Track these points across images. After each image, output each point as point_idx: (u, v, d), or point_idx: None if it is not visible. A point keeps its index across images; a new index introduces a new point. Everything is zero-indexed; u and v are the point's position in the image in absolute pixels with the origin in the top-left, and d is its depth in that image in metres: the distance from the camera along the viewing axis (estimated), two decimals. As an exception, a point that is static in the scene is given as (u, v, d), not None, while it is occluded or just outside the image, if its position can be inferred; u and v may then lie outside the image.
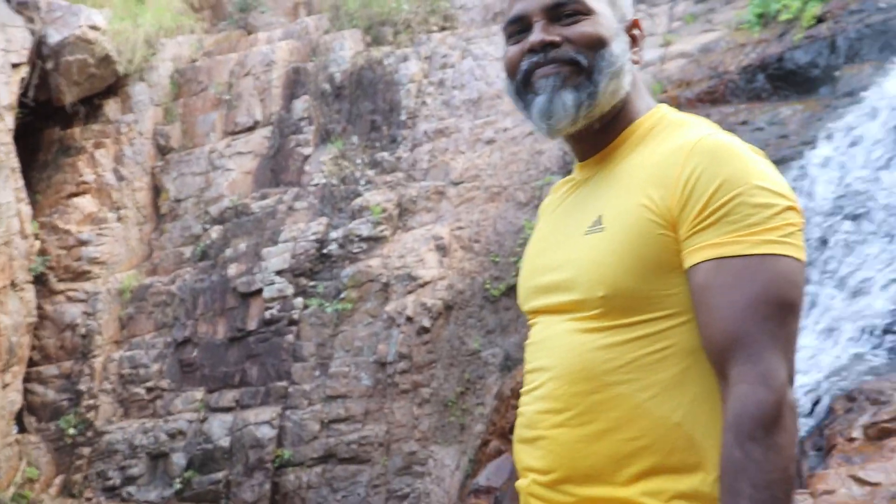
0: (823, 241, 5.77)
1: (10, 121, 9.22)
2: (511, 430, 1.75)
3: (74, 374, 9.09)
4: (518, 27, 1.69)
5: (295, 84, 9.79)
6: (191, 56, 10.58)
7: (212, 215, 9.37)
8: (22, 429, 9.02)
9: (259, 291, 8.57)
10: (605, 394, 1.54)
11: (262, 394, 8.29)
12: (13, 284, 8.92)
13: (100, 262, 9.47)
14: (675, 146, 1.57)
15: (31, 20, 9.76)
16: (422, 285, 7.96)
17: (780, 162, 6.82)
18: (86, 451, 8.78)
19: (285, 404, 8.15)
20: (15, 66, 9.41)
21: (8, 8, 9.61)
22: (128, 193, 9.74)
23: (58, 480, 8.85)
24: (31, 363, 9.19)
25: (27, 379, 9.10)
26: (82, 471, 8.73)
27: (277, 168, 9.45)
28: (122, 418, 8.82)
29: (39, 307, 9.24)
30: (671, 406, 1.52)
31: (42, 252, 9.45)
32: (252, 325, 8.54)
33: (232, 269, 8.82)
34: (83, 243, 9.48)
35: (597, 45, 1.63)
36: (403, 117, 9.17)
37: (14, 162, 9.17)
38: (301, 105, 9.57)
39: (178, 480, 8.36)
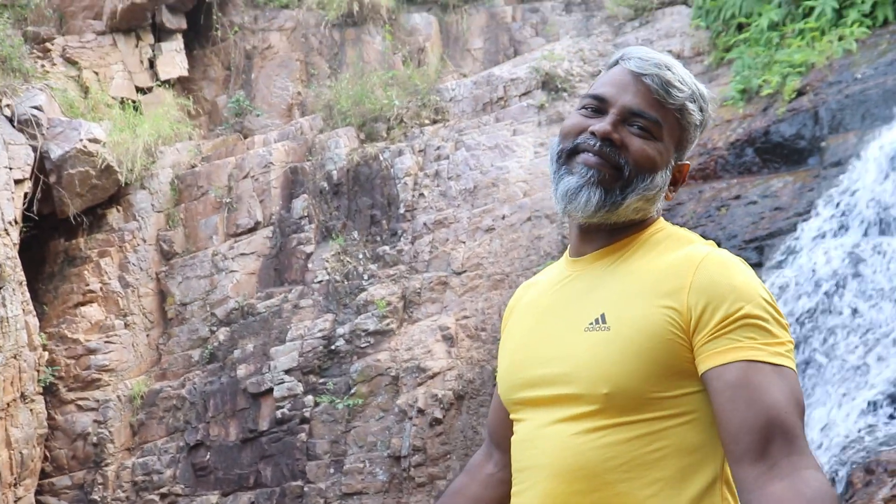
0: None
1: (15, 236, 9.38)
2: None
3: (87, 483, 9.04)
4: (595, 105, 1.74)
5: (293, 184, 9.99)
6: (190, 162, 10.80)
7: (218, 317, 9.45)
8: (36, 544, 8.94)
9: (269, 391, 8.60)
10: (605, 492, 1.56)
11: (278, 494, 8.25)
12: (23, 397, 8.95)
13: (109, 370, 9.51)
14: (684, 256, 1.65)
15: (32, 137, 9.99)
16: (431, 376, 8.01)
17: (778, 234, 6.98)
18: (101, 563, 8.69)
19: (301, 504, 8.11)
20: (18, 181, 9.61)
21: (10, 127, 9.85)
22: (134, 300, 9.84)
23: None
24: (44, 475, 9.14)
25: (39, 491, 9.05)
26: (98, 584, 8.62)
27: (281, 267, 9.58)
28: (138, 528, 8.75)
29: (50, 418, 9.25)
30: None
31: (51, 362, 9.49)
32: (264, 425, 8.55)
33: (241, 370, 8.87)
34: (91, 352, 9.54)
35: (647, 168, 1.69)
36: (402, 210, 9.34)
37: (20, 276, 9.30)
38: (300, 204, 9.76)
39: (196, 588, 8.25)
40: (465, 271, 8.63)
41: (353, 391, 8.30)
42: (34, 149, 9.89)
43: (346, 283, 9.04)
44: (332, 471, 8.10)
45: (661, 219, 1.80)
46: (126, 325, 9.73)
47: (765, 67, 8.54)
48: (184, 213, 10.27)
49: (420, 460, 7.74)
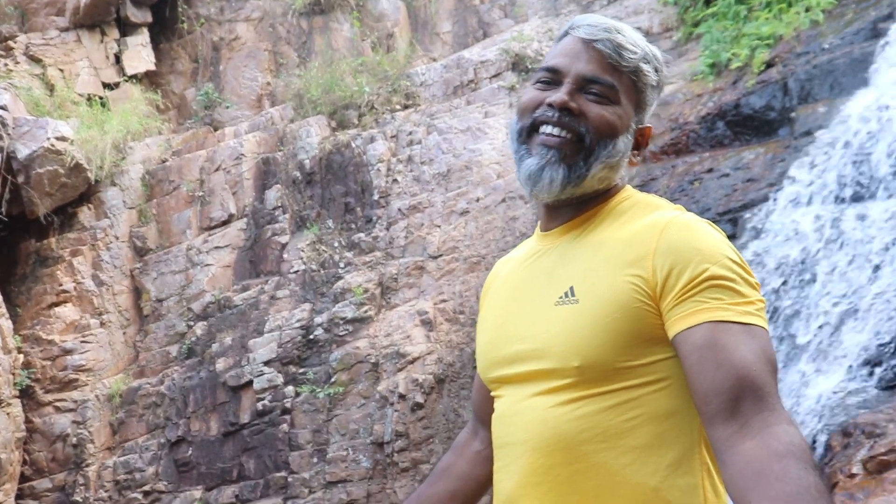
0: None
1: (-15, 238, 9.27)
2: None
3: (69, 485, 8.96)
4: (548, 77, 1.72)
5: (266, 174, 9.92)
6: (160, 157, 10.70)
7: (195, 312, 9.38)
8: (19, 548, 8.86)
9: (249, 383, 8.55)
10: (583, 463, 1.56)
11: (262, 486, 8.22)
12: None
13: (86, 370, 9.42)
14: (649, 223, 1.63)
15: (-1, 137, 9.85)
16: (411, 361, 7.99)
17: (751, 205, 6.99)
18: (86, 564, 8.63)
19: (286, 494, 8.07)
20: (-15, 182, 9.48)
21: (-25, 127, 9.71)
22: (109, 298, 9.74)
23: None
24: (23, 478, 9.05)
25: (20, 495, 8.95)
26: (84, 585, 8.56)
27: (256, 259, 9.51)
28: (121, 526, 8.68)
29: (28, 420, 9.14)
30: (649, 471, 1.55)
31: (26, 365, 9.39)
32: (245, 417, 8.50)
33: (220, 364, 8.81)
34: (68, 352, 9.44)
35: (607, 133, 1.68)
36: (376, 197, 9.30)
37: (-8, 278, 9.19)
38: (274, 194, 9.69)
39: (183, 585, 8.22)
40: (441, 255, 8.61)
41: (333, 380, 8.27)
42: (0, 149, 9.75)
43: (322, 271, 8.99)
44: (315, 460, 8.07)
45: (628, 187, 1.78)
46: (102, 324, 9.64)
47: (733, 41, 8.55)
48: (156, 208, 10.18)
49: (403, 445, 7.72)
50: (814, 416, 4.51)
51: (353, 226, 9.27)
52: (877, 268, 5.47)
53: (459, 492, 1.96)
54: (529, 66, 9.73)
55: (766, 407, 1.46)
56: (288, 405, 8.34)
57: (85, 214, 10.21)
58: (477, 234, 8.58)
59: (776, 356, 1.58)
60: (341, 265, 8.97)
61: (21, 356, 9.34)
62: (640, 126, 1.76)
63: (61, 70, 11.36)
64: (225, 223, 9.82)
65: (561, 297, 1.64)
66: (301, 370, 8.48)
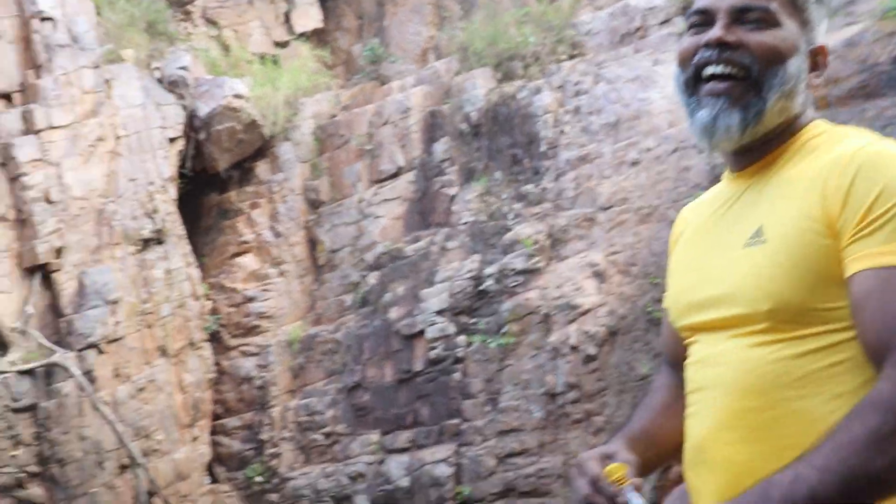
0: None
1: (172, 192, 9.86)
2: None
3: (255, 424, 9.55)
4: (700, 20, 1.65)
5: (433, 127, 10.05)
6: (330, 111, 11.02)
7: (367, 262, 9.69)
8: (213, 479, 9.53)
9: (421, 332, 8.79)
10: (780, 409, 1.50)
11: (436, 432, 8.47)
12: (191, 344, 9.48)
13: (267, 317, 9.94)
14: (836, 155, 1.53)
15: (181, 97, 10.40)
16: (583, 313, 7.99)
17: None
18: (274, 497, 9.18)
19: (460, 441, 8.30)
20: (172, 140, 10.07)
21: (160, 88, 10.28)
22: (286, 249, 10.19)
23: (251, 527, 9.30)
24: (215, 417, 9.72)
25: (213, 432, 9.62)
26: (272, 517, 9.13)
27: (425, 210, 9.70)
28: (304, 464, 9.18)
29: (217, 363, 9.78)
30: None
31: (213, 311, 10.00)
32: (418, 365, 8.76)
33: (393, 313, 9.09)
34: (250, 300, 9.98)
35: (773, 59, 1.59)
36: (544, 148, 9.27)
37: (180, 230, 9.78)
38: (441, 147, 9.82)
39: (362, 522, 8.63)
40: (611, 206, 8.52)
41: (504, 330, 8.38)
42: (183, 108, 10.30)
43: (491, 223, 9.07)
44: (487, 409, 8.24)
45: (820, 121, 1.67)
46: (280, 274, 10.11)
47: (929, -26, 7.98)
48: (327, 162, 10.52)
49: (575, 397, 7.77)
50: None
51: (521, 177, 9.29)
52: None
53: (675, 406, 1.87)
54: (701, 11, 9.39)
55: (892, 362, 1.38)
56: (460, 354, 8.52)
57: (261, 169, 10.68)
58: (648, 184, 8.44)
59: None
60: (510, 217, 9.03)
61: (209, 303, 9.95)
62: (811, 46, 1.65)
63: (235, 31, 11.83)
64: (394, 176, 10.05)
65: (750, 239, 1.57)
66: (472, 320, 8.64)
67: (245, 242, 10.23)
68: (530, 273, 8.54)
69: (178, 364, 9.30)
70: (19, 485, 7.68)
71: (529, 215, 8.92)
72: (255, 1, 11.95)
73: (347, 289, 9.74)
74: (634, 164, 8.65)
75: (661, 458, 1.86)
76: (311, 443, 9.21)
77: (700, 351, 1.66)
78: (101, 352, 8.50)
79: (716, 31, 1.60)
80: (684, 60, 1.67)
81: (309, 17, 12.01)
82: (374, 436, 8.89)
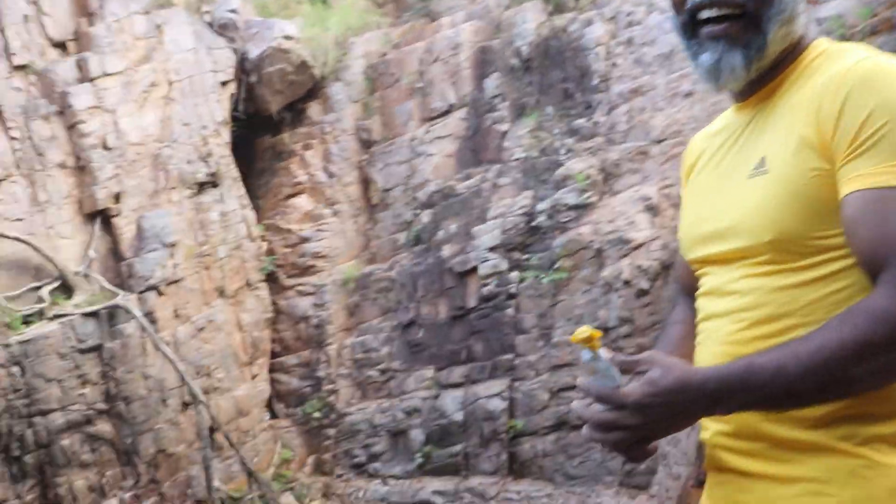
0: None
1: (226, 135, 9.95)
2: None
3: (313, 361, 9.75)
4: None
5: (483, 63, 9.94)
6: (380, 50, 10.95)
7: (420, 200, 9.70)
8: (273, 415, 9.79)
9: (474, 269, 8.81)
10: (785, 337, 1.48)
11: (490, 368, 8.55)
12: (248, 284, 9.66)
13: (322, 256, 10.06)
14: (831, 75, 1.50)
15: (231, 40, 10.43)
16: (635, 248, 7.92)
17: None
18: (331, 432, 9.41)
19: (513, 376, 8.36)
20: (223, 84, 10.12)
21: (211, 31, 10.31)
22: (339, 189, 10.26)
23: (310, 460, 9.55)
24: (274, 355, 9.95)
25: (272, 369, 9.86)
26: (330, 450, 9.36)
27: (477, 147, 9.65)
28: (361, 400, 9.36)
29: (274, 303, 9.97)
30: None
31: (269, 252, 10.15)
32: (472, 302, 8.80)
33: (446, 251, 9.12)
34: (305, 240, 10.10)
35: None
36: (595, 81, 9.11)
37: (234, 172, 9.90)
38: (492, 83, 9.71)
39: (418, 455, 8.79)
40: (664, 139, 8.36)
41: (557, 266, 8.35)
42: (234, 51, 10.33)
43: (543, 158, 8.99)
44: (540, 344, 8.27)
45: (822, 40, 1.63)
46: (334, 214, 10.20)
47: None
48: (379, 101, 10.49)
49: (628, 331, 7.75)
50: None
51: (573, 112, 9.16)
52: None
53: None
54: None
55: (886, 280, 1.38)
56: (513, 290, 8.54)
57: (313, 110, 10.70)
58: (703, 116, 8.24)
59: None
60: (562, 152, 8.94)
61: (264, 244, 10.10)
62: None
63: (284, -29, 11.76)
64: (445, 113, 9.99)
65: (753, 170, 1.56)
66: (525, 256, 8.63)
67: (299, 183, 10.32)
68: (583, 208, 8.47)
69: (235, 304, 9.49)
70: (88, 421, 7.97)
71: (581, 150, 8.81)
72: (303, -60, 11.86)
73: (401, 227, 9.79)
74: (688, 95, 8.45)
75: None
76: (367, 379, 9.38)
77: (710, 282, 1.67)
78: (160, 293, 8.71)
79: None
80: (678, 4, 1.64)
81: (358, -45, 11.88)
82: (429, 371, 9.00)
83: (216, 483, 8.48)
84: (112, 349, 8.16)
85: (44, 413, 7.63)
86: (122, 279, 8.62)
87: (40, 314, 7.93)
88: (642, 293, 7.76)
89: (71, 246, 8.49)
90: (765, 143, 1.58)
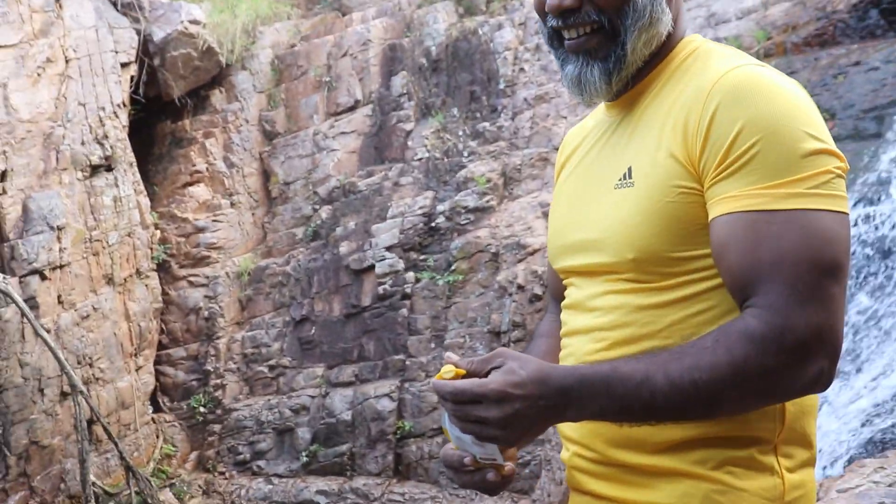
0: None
1: (124, 118, 9.63)
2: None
3: (201, 355, 9.50)
4: None
5: (392, 61, 9.87)
6: (289, 41, 10.78)
7: (321, 196, 9.57)
8: (157, 409, 9.51)
9: (371, 268, 8.74)
10: None
11: (381, 367, 8.48)
12: (138, 273, 9.36)
13: (217, 248, 9.83)
14: (700, 84, 1.44)
15: (135, 20, 10.11)
16: (531, 253, 7.96)
17: (901, 103, 6.54)
18: (216, 427, 9.18)
19: (403, 377, 8.31)
20: (124, 65, 9.80)
21: (114, 10, 9.98)
22: (239, 179, 10.04)
23: (192, 456, 9.29)
24: (161, 346, 9.66)
25: (158, 361, 9.57)
26: (214, 446, 9.14)
27: (381, 145, 9.57)
28: (248, 396, 9.17)
29: (164, 293, 9.68)
30: None
31: (163, 240, 9.86)
32: (366, 300, 8.72)
33: (343, 248, 9.01)
34: (200, 230, 9.85)
35: (618, 3, 1.49)
36: (502, 86, 9.14)
37: (130, 157, 9.59)
38: (399, 81, 9.66)
39: (304, 454, 8.66)
40: (566, 147, 8.44)
41: (453, 267, 8.34)
42: (138, 32, 10.02)
43: (445, 160, 8.98)
44: (432, 345, 8.24)
45: (695, 37, 1.58)
46: (232, 205, 9.97)
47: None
48: (284, 92, 10.32)
49: (520, 336, 7.78)
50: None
51: (478, 115, 9.18)
52: None
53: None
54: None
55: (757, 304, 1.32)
56: (408, 290, 8.49)
57: (217, 97, 10.46)
58: (604, 126, 8.36)
59: (833, 243, 1.32)
60: (465, 154, 8.93)
61: (158, 232, 9.81)
62: None
63: (195, -47, 11.47)
64: (351, 109, 9.89)
65: (619, 180, 1.50)
66: (422, 257, 8.59)
67: (198, 172, 10.07)
68: (482, 211, 8.48)
69: (124, 293, 9.19)
70: (-44, 408, 7.60)
71: (484, 153, 8.83)
72: (215, -77, 11.59)
73: (299, 222, 9.64)
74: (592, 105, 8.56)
75: None
76: (256, 375, 9.19)
77: (574, 294, 1.61)
78: (44, 278, 8.36)
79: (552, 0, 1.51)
80: (540, 12, 1.58)
81: (271, -57, 11.67)
82: (319, 369, 8.88)
83: (92, 477, 8.18)
84: (-13, 334, 7.80)
85: None
86: (4, 261, 8.25)
87: (-90, 294, 7.53)
88: (536, 298, 7.81)
89: (-52, 223, 8.10)
90: (632, 151, 1.51)
